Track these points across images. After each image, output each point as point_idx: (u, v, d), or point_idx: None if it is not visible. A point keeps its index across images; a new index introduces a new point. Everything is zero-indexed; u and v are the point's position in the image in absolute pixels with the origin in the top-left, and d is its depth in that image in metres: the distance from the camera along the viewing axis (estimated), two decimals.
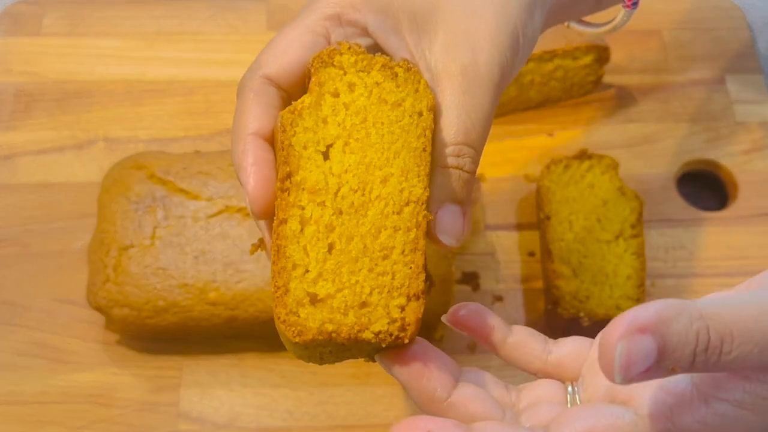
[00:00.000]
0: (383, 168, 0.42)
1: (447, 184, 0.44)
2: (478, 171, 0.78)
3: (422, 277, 0.41)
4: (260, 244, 0.46)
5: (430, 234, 0.44)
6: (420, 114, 0.43)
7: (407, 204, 0.42)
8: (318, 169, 0.41)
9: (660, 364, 0.35)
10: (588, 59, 0.78)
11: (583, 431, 0.38)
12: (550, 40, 0.77)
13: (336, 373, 0.67)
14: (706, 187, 0.80)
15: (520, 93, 0.79)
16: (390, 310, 0.40)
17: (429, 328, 0.68)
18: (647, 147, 0.80)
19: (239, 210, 0.67)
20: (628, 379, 0.35)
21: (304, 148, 0.42)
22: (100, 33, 0.85)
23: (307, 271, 0.40)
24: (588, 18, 0.60)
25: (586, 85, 0.81)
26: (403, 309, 0.40)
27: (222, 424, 0.66)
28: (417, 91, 0.43)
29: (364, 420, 0.66)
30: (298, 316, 0.40)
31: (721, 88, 0.83)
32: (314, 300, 0.40)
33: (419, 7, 0.46)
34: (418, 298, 0.41)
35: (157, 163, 0.70)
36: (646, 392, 0.39)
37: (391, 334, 0.40)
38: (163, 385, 0.67)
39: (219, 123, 0.80)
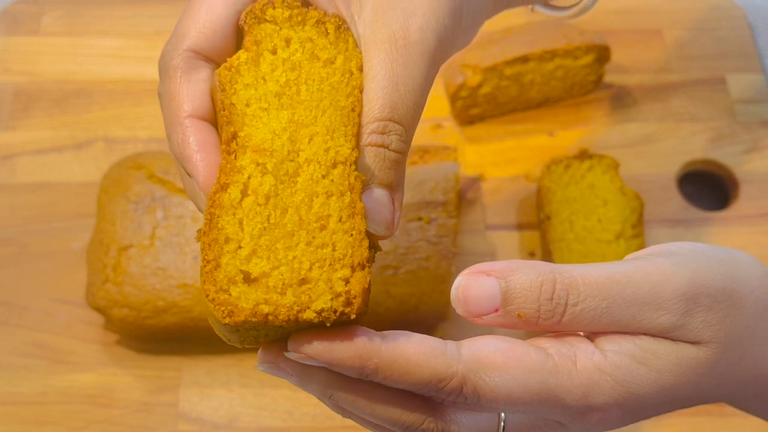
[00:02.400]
0: (309, 126, 0.39)
1: (372, 165, 0.40)
2: (479, 171, 0.78)
3: (365, 243, 0.38)
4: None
5: None
6: (351, 73, 0.41)
7: (334, 166, 0.39)
8: (264, 126, 0.39)
9: (506, 308, 0.37)
10: (588, 59, 0.78)
11: (493, 352, 0.37)
12: (551, 40, 0.77)
13: None
14: (706, 187, 0.80)
15: (520, 93, 0.79)
16: (333, 284, 0.37)
17: (430, 327, 0.68)
18: (648, 147, 0.79)
19: None
20: (472, 313, 0.38)
21: (247, 105, 0.39)
22: (99, 32, 0.85)
23: (240, 247, 0.37)
24: (555, 2, 0.56)
25: (587, 84, 0.81)
26: (347, 281, 0.37)
27: (221, 425, 0.66)
28: (347, 50, 0.41)
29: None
30: (230, 295, 0.36)
31: (721, 88, 0.83)
32: (248, 279, 0.37)
33: None
34: (363, 268, 0.37)
35: (156, 163, 0.70)
36: (554, 339, 0.39)
37: (335, 311, 0.36)
38: (162, 385, 0.67)
39: None
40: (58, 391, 0.67)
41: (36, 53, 0.83)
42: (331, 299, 0.36)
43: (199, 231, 0.39)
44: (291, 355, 0.37)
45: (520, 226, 0.75)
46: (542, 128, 0.80)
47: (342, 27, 0.41)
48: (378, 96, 0.40)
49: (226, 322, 0.36)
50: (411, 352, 0.37)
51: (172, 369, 0.68)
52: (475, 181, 0.77)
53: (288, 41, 0.41)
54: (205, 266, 0.37)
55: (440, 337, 0.70)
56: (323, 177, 0.39)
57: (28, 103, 0.80)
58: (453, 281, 0.39)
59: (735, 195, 0.77)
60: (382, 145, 0.40)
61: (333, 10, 0.43)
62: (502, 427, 0.39)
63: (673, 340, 0.38)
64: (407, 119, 0.41)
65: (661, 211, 0.76)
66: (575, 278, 0.37)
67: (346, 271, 0.37)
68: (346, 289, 0.37)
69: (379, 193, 0.40)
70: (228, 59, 0.40)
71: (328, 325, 0.36)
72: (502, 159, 0.78)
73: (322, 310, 0.36)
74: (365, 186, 0.40)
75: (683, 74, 0.84)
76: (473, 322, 0.38)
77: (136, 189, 0.68)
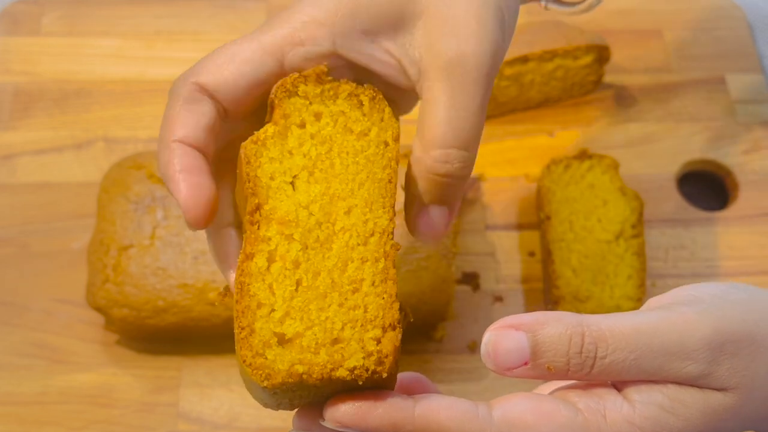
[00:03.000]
0: (347, 199, 0.40)
1: (434, 190, 0.42)
2: (478, 171, 0.78)
3: (396, 306, 0.39)
4: (225, 293, 0.44)
5: (408, 228, 0.43)
6: (386, 144, 0.41)
7: (372, 235, 0.40)
8: (288, 199, 0.40)
9: (536, 362, 0.38)
10: (588, 59, 0.78)
11: (524, 412, 0.38)
12: (551, 40, 0.77)
13: None
14: (706, 187, 0.80)
15: (520, 93, 0.79)
16: (365, 343, 0.38)
17: (430, 327, 0.68)
18: (648, 147, 0.79)
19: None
20: (502, 367, 0.38)
21: (272, 178, 0.40)
22: (99, 32, 0.85)
23: (273, 310, 0.38)
24: None
25: (587, 84, 0.81)
26: (379, 341, 0.38)
27: (221, 425, 0.66)
28: (382, 120, 0.42)
29: None
30: (266, 359, 0.37)
31: (721, 88, 0.83)
32: (282, 340, 0.38)
33: (390, 2, 0.42)
34: (394, 328, 0.38)
35: (156, 163, 0.69)
36: (582, 392, 0.40)
37: (367, 369, 0.37)
38: (162, 385, 0.67)
39: None
40: (58, 391, 0.67)
41: (36, 53, 0.83)
42: (363, 358, 0.38)
43: (219, 293, 0.43)
44: (327, 423, 0.38)
45: (520, 226, 0.75)
46: (542, 128, 0.80)
47: (376, 98, 0.42)
48: (441, 123, 0.41)
49: (265, 385, 0.37)
50: (444, 417, 0.38)
51: (172, 369, 0.68)
52: (475, 181, 0.77)
53: (318, 116, 0.42)
54: (240, 333, 0.38)
55: (439, 337, 0.70)
56: (359, 245, 0.40)
57: (28, 103, 0.80)
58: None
59: (735, 195, 0.77)
60: (446, 175, 0.42)
61: (379, 51, 0.43)
62: None
63: (699, 387, 0.39)
64: (471, 144, 0.42)
65: (660, 211, 0.76)
66: (603, 331, 0.38)
67: (378, 332, 0.38)
68: (378, 348, 0.38)
69: (436, 211, 0.43)
70: (255, 133, 0.41)
71: (360, 383, 0.37)
72: (502, 159, 0.78)
73: (355, 368, 0.37)
74: (425, 206, 0.42)
75: (683, 74, 0.84)
76: (502, 375, 0.39)
77: (136, 189, 0.68)
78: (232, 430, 0.65)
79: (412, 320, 0.41)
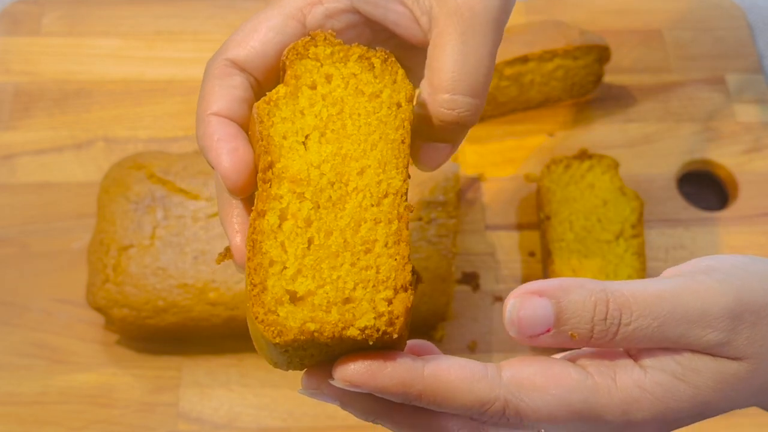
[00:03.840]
0: (360, 160, 0.41)
1: (439, 132, 0.43)
2: (478, 171, 0.78)
3: (408, 268, 0.39)
4: (226, 253, 0.44)
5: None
6: (398, 105, 0.41)
7: (386, 196, 0.40)
8: (300, 158, 0.40)
9: (559, 329, 0.38)
10: (588, 59, 0.78)
11: (533, 374, 0.38)
12: (551, 40, 0.77)
13: None
14: (706, 187, 0.80)
15: (520, 93, 0.79)
16: (376, 304, 0.38)
17: (430, 327, 0.68)
18: (647, 147, 0.79)
19: None
20: (525, 335, 0.38)
21: (284, 138, 0.41)
22: (99, 33, 0.85)
23: (285, 267, 0.38)
24: None
25: (587, 84, 0.81)
26: (390, 302, 0.38)
27: (221, 425, 0.66)
28: (395, 82, 0.42)
29: (363, 420, 0.66)
30: (278, 315, 0.37)
31: (721, 88, 0.83)
32: (294, 298, 0.38)
33: None
34: (405, 290, 0.38)
35: (156, 163, 0.70)
36: (593, 356, 0.40)
37: (378, 330, 0.37)
38: (162, 385, 0.67)
39: None
40: (58, 391, 0.67)
41: (36, 53, 0.83)
42: (374, 318, 0.38)
43: (220, 254, 0.42)
44: (336, 382, 0.38)
45: (520, 226, 0.75)
46: (542, 128, 0.80)
47: (388, 60, 0.42)
48: (448, 69, 0.41)
49: (277, 341, 0.37)
50: (453, 377, 0.38)
51: (172, 369, 0.68)
52: (475, 181, 0.77)
53: (329, 78, 0.42)
54: (252, 290, 0.38)
55: (439, 337, 0.70)
56: (372, 206, 0.40)
57: (28, 103, 0.80)
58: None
59: (735, 195, 0.77)
60: (454, 121, 0.42)
61: (393, 3, 0.44)
62: None
63: (714, 356, 0.39)
64: (479, 90, 0.42)
65: (660, 211, 0.76)
66: (626, 297, 0.38)
67: (389, 293, 0.39)
68: (389, 309, 0.38)
69: (439, 146, 0.43)
70: (267, 93, 0.41)
71: (371, 343, 0.38)
72: (502, 159, 0.78)
73: (366, 327, 0.37)
74: (424, 141, 0.42)
75: (683, 74, 0.84)
76: (524, 343, 0.39)
77: (136, 189, 0.68)
78: (232, 430, 0.65)
79: (423, 282, 0.41)
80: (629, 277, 0.68)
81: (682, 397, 0.38)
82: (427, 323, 0.68)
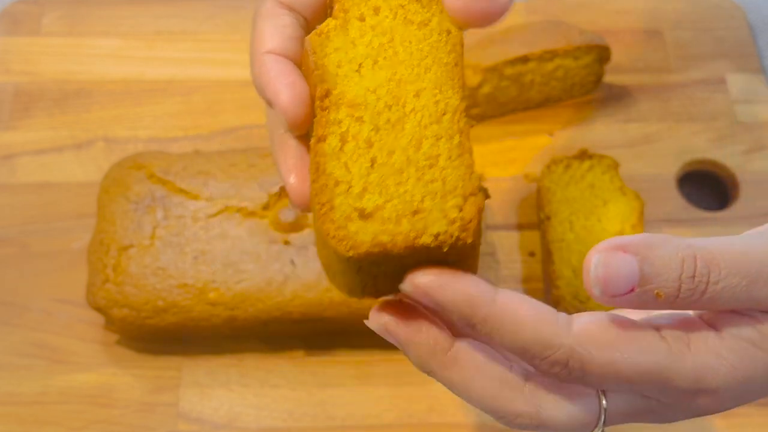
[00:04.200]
0: (415, 83, 0.41)
1: None
2: (479, 171, 0.78)
3: (476, 176, 0.39)
4: (281, 193, 0.44)
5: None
6: (448, 32, 0.42)
7: (444, 114, 0.40)
8: (356, 85, 0.41)
9: (644, 287, 0.35)
10: (588, 59, 0.78)
11: (605, 329, 0.36)
12: (551, 40, 0.77)
13: (336, 374, 0.67)
14: (707, 187, 0.80)
15: (520, 93, 0.79)
16: (447, 212, 0.37)
17: None
18: (648, 147, 0.79)
19: (239, 210, 0.67)
20: (609, 294, 0.36)
21: (338, 66, 0.41)
22: (99, 33, 0.85)
23: (351, 186, 0.38)
24: None
25: (587, 84, 0.81)
26: (461, 208, 0.38)
27: (221, 425, 0.66)
28: (442, 11, 0.42)
29: (364, 420, 0.66)
30: (348, 230, 0.37)
31: (721, 88, 0.83)
32: (363, 215, 0.38)
33: None
34: (475, 195, 0.38)
35: (156, 162, 0.70)
36: (667, 319, 0.38)
37: (451, 235, 0.37)
38: (162, 385, 0.67)
39: (219, 123, 0.80)
40: (58, 391, 0.67)
41: (36, 53, 0.83)
42: (447, 224, 0.37)
43: (273, 194, 0.43)
44: (405, 287, 0.37)
45: (520, 226, 0.75)
46: (542, 128, 0.80)
47: None
48: None
49: (351, 254, 0.37)
50: (523, 312, 0.36)
51: (172, 369, 0.68)
52: None
53: (377, 10, 0.43)
54: (320, 209, 0.38)
55: None
56: (432, 123, 0.40)
57: (28, 103, 0.80)
58: None
59: (735, 195, 0.77)
60: None
61: None
62: (602, 420, 0.38)
63: None
64: None
65: (661, 211, 0.76)
66: (715, 254, 0.36)
67: (458, 200, 0.38)
68: (461, 215, 0.38)
69: None
70: (317, 27, 0.42)
71: (445, 250, 0.37)
72: (502, 159, 0.78)
73: (438, 234, 0.37)
74: None
75: (683, 74, 0.84)
76: (606, 303, 0.37)
77: (136, 189, 0.68)
78: (232, 430, 0.65)
79: (489, 197, 0.41)
80: None
81: (758, 365, 0.37)
82: None
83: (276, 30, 0.44)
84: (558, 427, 0.38)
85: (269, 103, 0.42)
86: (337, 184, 0.38)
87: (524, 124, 0.81)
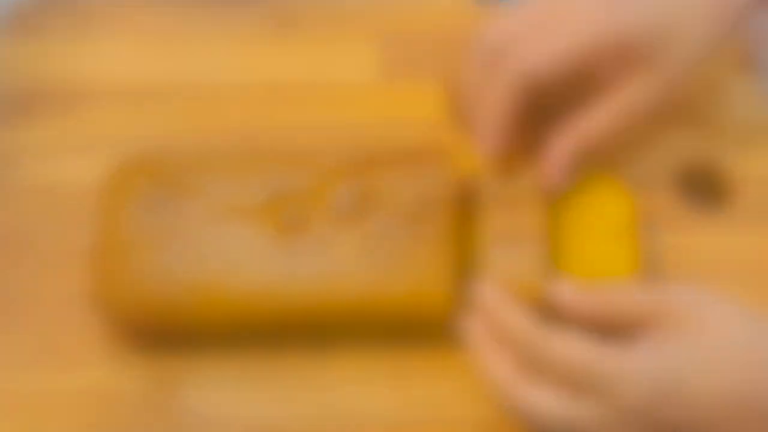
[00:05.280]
0: None
1: None
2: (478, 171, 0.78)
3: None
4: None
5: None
6: None
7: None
8: None
9: None
10: None
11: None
12: None
13: (337, 374, 0.67)
14: (706, 187, 0.80)
15: None
16: None
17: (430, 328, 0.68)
18: (647, 147, 0.79)
19: (241, 210, 0.67)
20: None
21: None
22: (100, 33, 0.85)
23: None
24: None
25: None
26: None
27: (221, 425, 0.66)
28: None
29: (366, 420, 0.66)
30: None
31: (722, 88, 0.83)
32: None
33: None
34: None
35: (159, 163, 0.70)
36: None
37: None
38: (164, 385, 0.67)
39: (222, 123, 0.80)
40: (60, 390, 0.67)
41: (41, 54, 0.83)
42: None
43: None
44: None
45: None
46: None
47: None
48: None
49: None
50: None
51: (174, 369, 0.68)
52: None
53: None
54: None
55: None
56: None
57: (32, 104, 0.80)
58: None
59: (735, 195, 0.77)
60: None
61: None
62: None
63: None
64: None
65: (660, 211, 0.76)
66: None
67: None
68: None
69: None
70: None
71: None
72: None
73: None
74: None
75: (683, 74, 0.84)
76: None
77: (139, 189, 0.68)
78: (232, 430, 0.65)
79: None
80: (627, 278, 0.68)
81: None
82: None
83: (509, 105, 0.55)
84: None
85: None
86: None
87: None
